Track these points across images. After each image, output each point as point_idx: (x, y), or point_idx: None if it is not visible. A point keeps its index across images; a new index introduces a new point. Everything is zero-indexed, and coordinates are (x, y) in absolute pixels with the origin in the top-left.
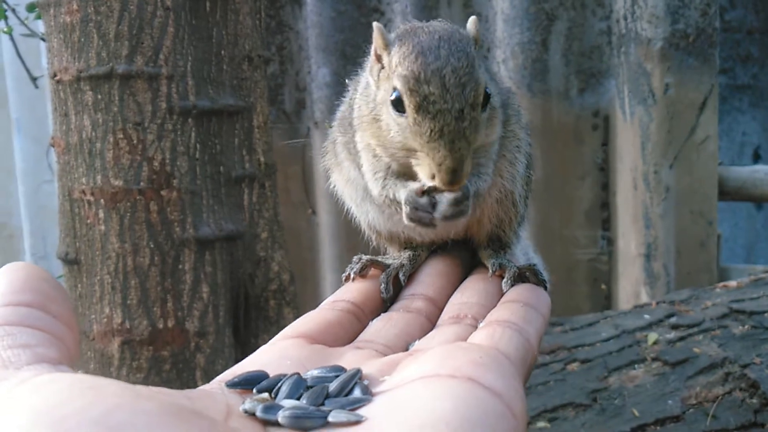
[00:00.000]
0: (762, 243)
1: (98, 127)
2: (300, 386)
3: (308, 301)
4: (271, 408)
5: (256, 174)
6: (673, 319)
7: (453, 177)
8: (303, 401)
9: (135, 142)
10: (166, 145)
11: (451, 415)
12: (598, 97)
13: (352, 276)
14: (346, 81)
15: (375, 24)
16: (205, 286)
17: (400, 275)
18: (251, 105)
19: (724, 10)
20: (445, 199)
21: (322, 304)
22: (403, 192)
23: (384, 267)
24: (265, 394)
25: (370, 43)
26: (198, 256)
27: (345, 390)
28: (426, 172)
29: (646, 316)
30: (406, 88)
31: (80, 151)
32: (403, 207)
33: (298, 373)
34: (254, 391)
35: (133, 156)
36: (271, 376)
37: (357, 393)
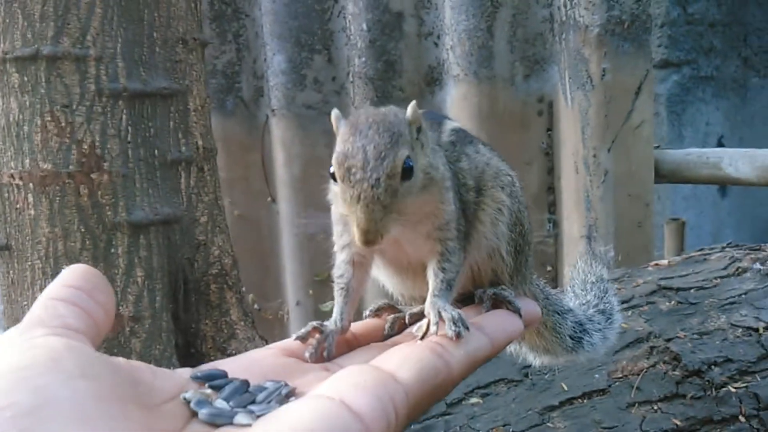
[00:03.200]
0: (727, 230)
1: (25, 109)
2: (239, 391)
3: (270, 292)
4: (202, 402)
5: (193, 157)
6: None
7: (366, 237)
8: (231, 403)
9: (63, 124)
10: (95, 128)
11: (303, 426)
12: (542, 83)
13: (366, 314)
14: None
15: (333, 111)
16: (140, 270)
17: (407, 317)
18: (186, 88)
19: (687, 2)
20: (446, 321)
21: None
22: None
23: (398, 311)
24: (210, 391)
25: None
26: (132, 240)
27: (266, 400)
28: (352, 234)
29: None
30: (337, 162)
31: (8, 134)
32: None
33: (246, 380)
34: (206, 385)
35: (61, 139)
36: (229, 377)
37: (272, 403)
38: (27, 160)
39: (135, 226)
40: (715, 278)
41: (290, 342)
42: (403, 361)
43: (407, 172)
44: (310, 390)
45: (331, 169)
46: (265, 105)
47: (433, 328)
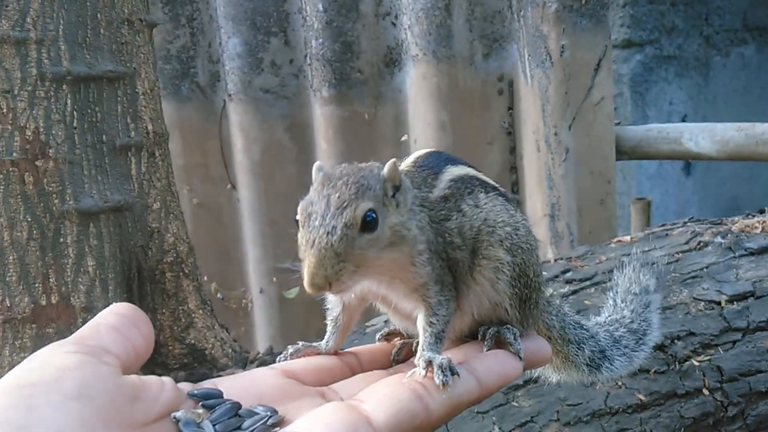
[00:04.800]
0: (692, 208)
1: None
2: (227, 414)
3: (232, 281)
4: (189, 424)
5: (143, 142)
6: (568, 274)
7: (313, 280)
8: (217, 426)
9: (5, 110)
10: (39, 113)
11: None
12: (501, 61)
13: (377, 338)
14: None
15: (315, 164)
16: (91, 259)
17: (414, 344)
18: (134, 71)
19: None
20: (435, 368)
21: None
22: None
23: (407, 337)
24: (202, 410)
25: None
26: (81, 229)
27: (251, 427)
28: (302, 276)
29: (544, 273)
30: (300, 209)
31: None
32: None
33: (238, 403)
34: (199, 404)
35: (3, 125)
36: (224, 397)
37: None
38: None
39: (84, 214)
40: (677, 253)
41: (292, 363)
42: (381, 401)
43: (369, 224)
44: (297, 418)
45: (297, 217)
46: (222, 90)
47: (422, 372)
